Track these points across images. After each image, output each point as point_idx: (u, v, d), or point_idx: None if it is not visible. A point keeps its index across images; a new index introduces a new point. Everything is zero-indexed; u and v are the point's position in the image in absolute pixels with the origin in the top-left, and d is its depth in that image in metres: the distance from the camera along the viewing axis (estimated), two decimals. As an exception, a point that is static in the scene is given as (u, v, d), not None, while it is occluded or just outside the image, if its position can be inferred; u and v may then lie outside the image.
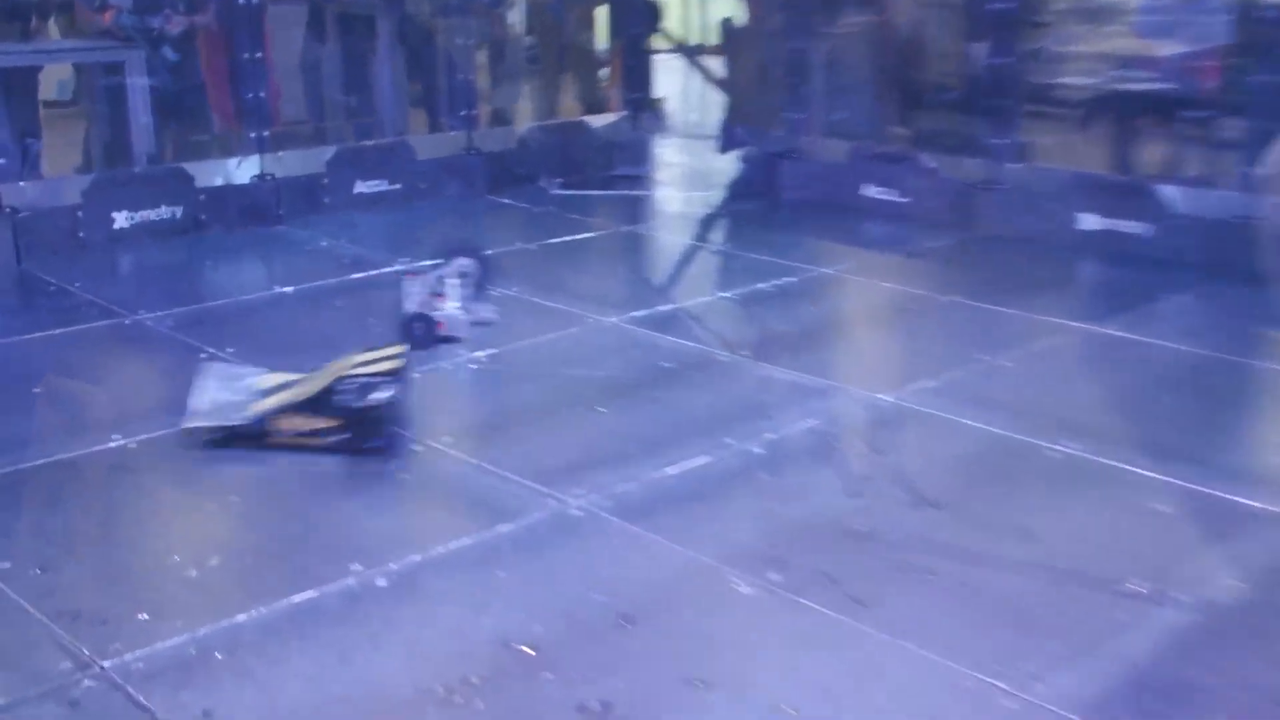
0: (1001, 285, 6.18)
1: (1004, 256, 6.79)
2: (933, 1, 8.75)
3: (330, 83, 8.81)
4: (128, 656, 3.05)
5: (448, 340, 5.21)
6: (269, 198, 7.41)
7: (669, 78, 10.99)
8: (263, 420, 4.25)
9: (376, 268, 6.47)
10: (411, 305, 5.25)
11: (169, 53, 7.30)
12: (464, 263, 5.46)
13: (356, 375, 4.32)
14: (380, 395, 4.25)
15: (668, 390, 4.80)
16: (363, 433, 4.22)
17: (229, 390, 4.44)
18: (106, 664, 3.02)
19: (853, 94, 8.60)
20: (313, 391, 4.30)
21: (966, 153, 7.55)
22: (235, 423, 4.24)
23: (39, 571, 3.44)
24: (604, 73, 10.33)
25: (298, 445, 4.22)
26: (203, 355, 5.11)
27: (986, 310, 5.80)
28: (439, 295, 5.32)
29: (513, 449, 4.27)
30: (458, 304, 5.33)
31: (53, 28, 7.86)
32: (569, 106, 9.99)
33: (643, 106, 9.49)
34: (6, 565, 3.47)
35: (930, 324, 5.71)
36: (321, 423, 4.24)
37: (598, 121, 9.28)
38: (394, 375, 4.38)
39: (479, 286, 5.51)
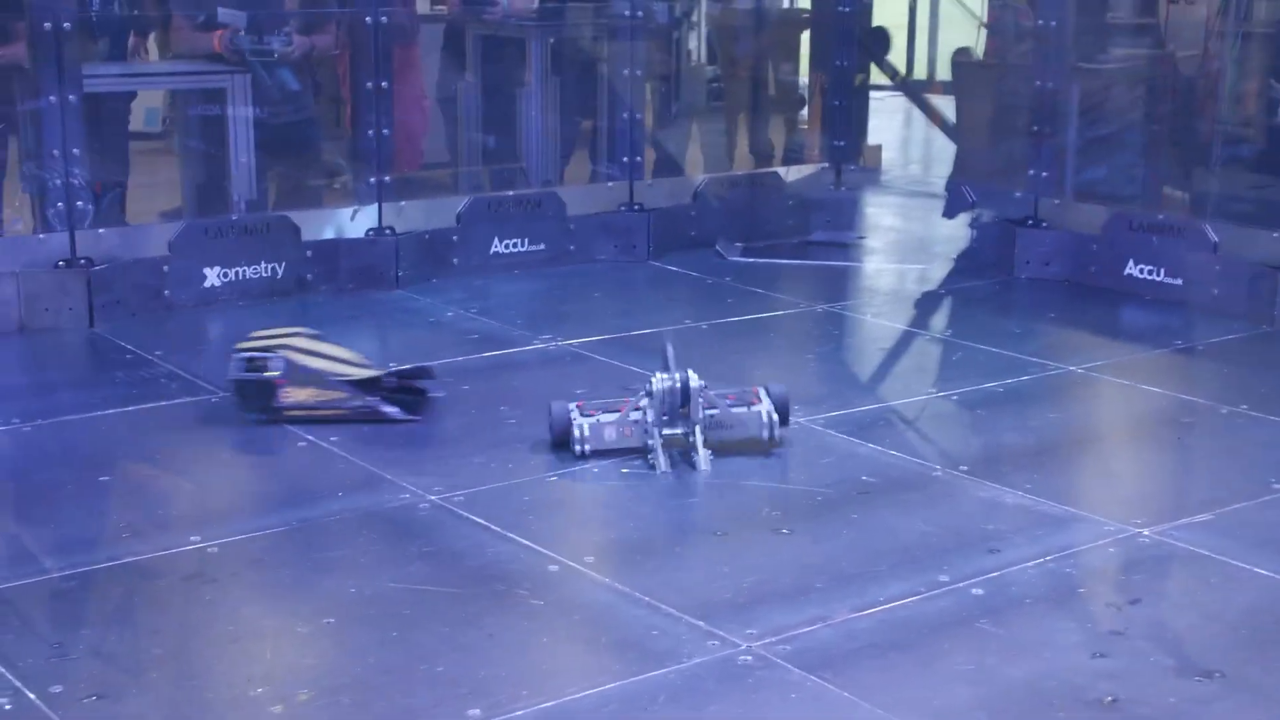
0: (1303, 395, 6.08)
1: (1308, 358, 6.68)
2: (1227, 29, 8.69)
3: (467, 120, 9.04)
4: (197, 807, 3.16)
5: None
6: (387, 256, 7.60)
7: (885, 121, 11.08)
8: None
9: (512, 345, 6.62)
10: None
11: (287, 76, 7.58)
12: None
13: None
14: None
15: (868, 511, 4.80)
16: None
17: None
18: (171, 815, 3.14)
19: (1116, 147, 8.57)
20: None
21: (1264, 224, 7.46)
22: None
23: (95, 699, 3.55)
24: (803, 114, 10.45)
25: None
26: (300, 444, 5.28)
27: (1282, 426, 5.72)
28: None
29: (671, 575, 4.31)
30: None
31: (149, 47, 8.24)
32: (757, 155, 10.12)
33: (850, 157, 9.55)
34: (58, 689, 3.57)
35: (1208, 441, 5.62)
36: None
37: (792, 174, 9.36)
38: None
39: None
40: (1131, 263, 7.76)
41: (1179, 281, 7.57)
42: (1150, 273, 7.69)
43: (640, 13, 8.66)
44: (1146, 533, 4.66)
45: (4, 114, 7.00)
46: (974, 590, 4.24)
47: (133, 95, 7.94)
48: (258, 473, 5.19)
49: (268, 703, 3.57)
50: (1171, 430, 5.78)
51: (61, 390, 5.94)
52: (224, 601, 4.13)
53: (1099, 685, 3.71)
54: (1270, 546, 4.54)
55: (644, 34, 8.78)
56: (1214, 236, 7.51)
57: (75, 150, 6.75)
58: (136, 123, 8.44)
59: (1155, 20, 9.12)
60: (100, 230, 6.91)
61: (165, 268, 6.99)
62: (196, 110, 7.80)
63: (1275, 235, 7.29)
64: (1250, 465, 5.27)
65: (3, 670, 3.67)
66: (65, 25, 6.65)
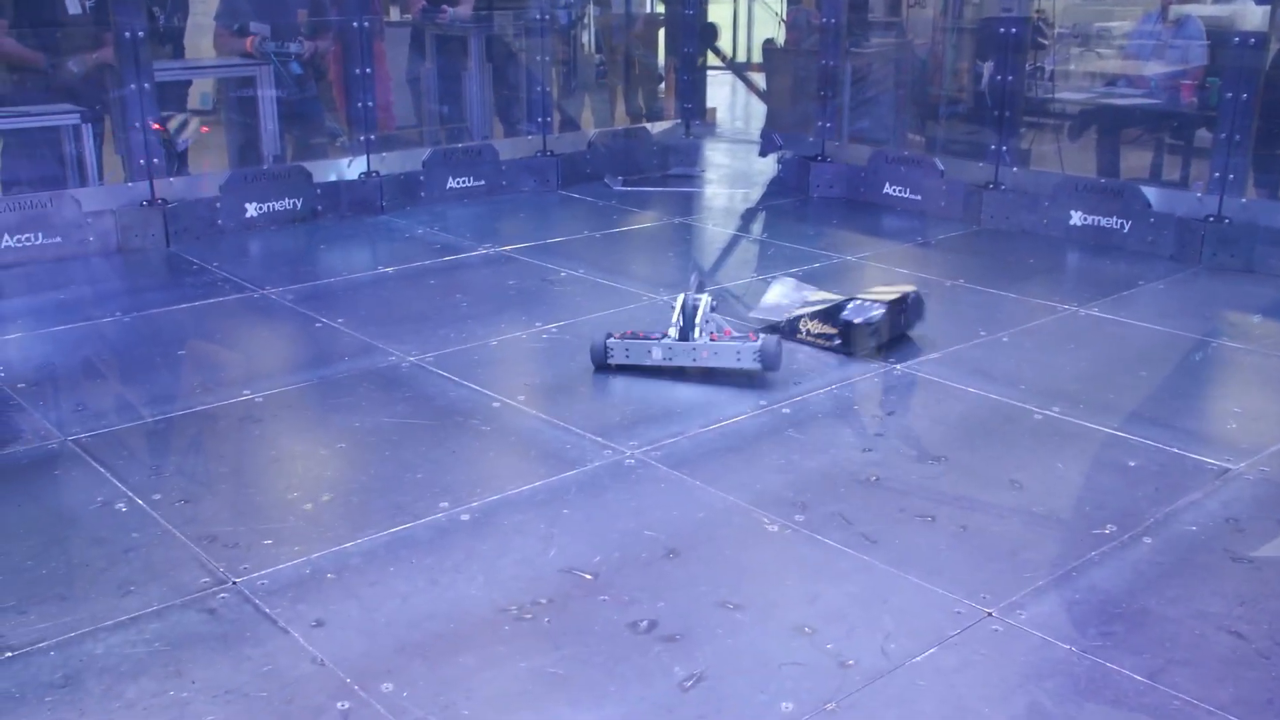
0: (1000, 272, 6.15)
1: (1003, 247, 6.74)
2: (947, 25, 8.68)
3: (428, 94, 8.87)
4: (255, 575, 3.13)
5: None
6: (374, 192, 7.48)
7: (717, 90, 10.96)
8: (794, 323, 4.92)
9: (463, 251, 6.53)
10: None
11: (296, 67, 7.40)
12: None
13: (865, 297, 4.87)
14: (871, 315, 4.77)
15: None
16: (850, 342, 4.78)
17: (788, 298, 5.14)
18: (238, 580, 3.11)
19: (875, 105, 8.56)
20: (831, 305, 4.90)
21: (973, 157, 7.50)
22: (776, 320, 4.98)
23: (183, 503, 3.53)
24: (661, 85, 10.33)
25: (812, 343, 4.87)
26: (317, 324, 5.20)
27: (987, 293, 5.78)
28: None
29: (577, 407, 4.31)
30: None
31: (200, 49, 7.96)
32: (631, 115, 10.01)
33: (694, 115, 9.47)
34: (157, 497, 3.56)
35: (938, 304, 5.67)
36: (829, 329, 4.82)
37: (655, 128, 9.26)
38: (890, 302, 4.82)
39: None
40: (888, 185, 7.79)
41: (919, 197, 7.62)
42: (900, 192, 7.73)
43: (548, 17, 8.53)
44: (898, 367, 4.73)
45: (101, 99, 6.77)
46: (784, 410, 4.28)
47: (189, 82, 7.68)
48: (288, 345, 5.10)
49: (300, 503, 3.56)
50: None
51: (148, 292, 5.78)
52: (267, 435, 4.09)
53: (867, 470, 3.78)
54: (977, 374, 4.63)
55: (550, 32, 8.64)
56: (941, 166, 7.55)
57: (151, 122, 6.55)
58: (193, 102, 8.17)
59: (900, 18, 9.07)
60: (172, 179, 6.73)
61: (218, 204, 6.82)
62: (235, 93, 7.57)
63: (980, 165, 7.34)
64: (964, 320, 5.35)
65: (119, 484, 3.64)
66: (140, 34, 6.44)
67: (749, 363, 4.51)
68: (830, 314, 4.88)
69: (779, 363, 4.53)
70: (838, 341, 4.83)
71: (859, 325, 4.79)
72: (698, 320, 4.63)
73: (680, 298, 4.68)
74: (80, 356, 4.85)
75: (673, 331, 4.63)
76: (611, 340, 4.64)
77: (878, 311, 4.80)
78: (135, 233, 6.50)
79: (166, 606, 2.99)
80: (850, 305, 4.88)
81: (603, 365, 4.64)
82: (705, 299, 4.69)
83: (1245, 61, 6.22)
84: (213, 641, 2.86)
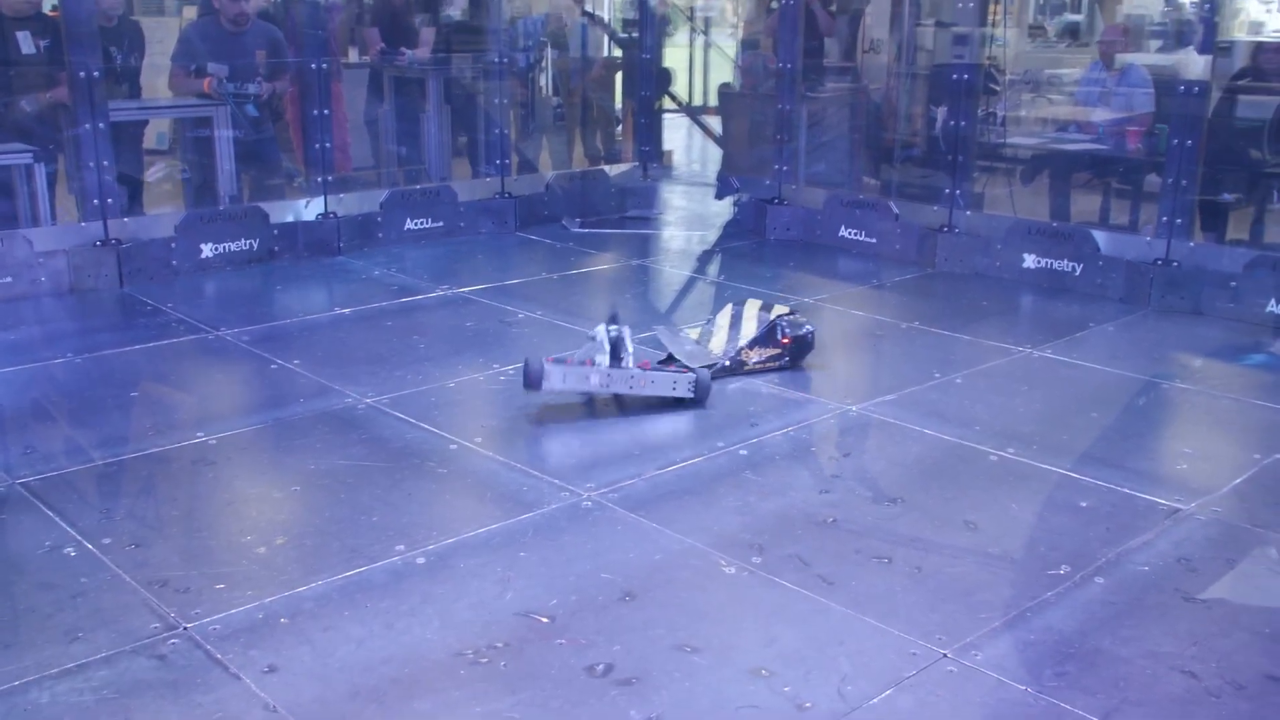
0: (955, 314, 6.21)
1: (957, 289, 6.82)
2: (901, 71, 8.81)
3: (386, 136, 8.88)
4: (207, 620, 3.09)
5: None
6: (331, 233, 7.45)
7: (674, 133, 11.03)
8: (738, 357, 5.11)
9: (420, 293, 6.52)
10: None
11: (252, 109, 7.39)
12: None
13: (785, 315, 5.23)
14: (809, 327, 5.25)
15: (669, 401, 4.81)
16: (797, 353, 5.18)
17: (683, 343, 5.30)
18: (189, 625, 3.06)
19: (831, 149, 8.65)
20: (756, 332, 5.18)
21: (927, 200, 7.59)
22: (714, 362, 5.06)
23: (134, 547, 3.48)
24: (619, 128, 10.40)
25: (763, 370, 5.13)
26: (272, 366, 5.16)
27: (941, 335, 5.83)
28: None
29: (534, 449, 4.30)
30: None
31: (156, 88, 7.93)
32: (589, 157, 10.06)
33: (651, 157, 9.53)
34: (107, 541, 3.50)
35: (893, 346, 5.73)
36: (773, 350, 5.14)
37: (613, 170, 9.31)
38: (795, 316, 5.29)
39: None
40: (843, 228, 7.86)
41: (874, 240, 7.69)
42: (856, 234, 7.79)
43: (506, 60, 8.57)
44: (854, 409, 4.75)
45: (54, 138, 6.72)
46: (741, 451, 4.29)
47: (146, 122, 7.65)
48: (242, 386, 5.06)
49: (254, 546, 3.51)
50: (870, 340, 5.88)
51: (101, 333, 5.71)
52: (221, 477, 4.04)
53: (824, 511, 3.79)
54: (933, 415, 4.66)
55: (509, 75, 8.67)
56: (895, 209, 7.63)
57: (105, 162, 6.50)
58: (150, 141, 8.13)
59: (854, 64, 9.20)
60: (125, 219, 6.67)
61: (173, 244, 6.76)
62: (192, 133, 7.54)
63: (934, 208, 7.43)
64: (920, 362, 5.39)
65: (67, 528, 3.58)
66: (95, 74, 6.40)
67: (684, 391, 4.69)
68: (766, 338, 5.19)
69: (708, 395, 4.73)
70: (786, 359, 5.19)
71: (800, 338, 5.22)
72: (630, 349, 4.69)
73: (600, 328, 4.72)
74: (30, 398, 4.78)
75: (603, 359, 4.64)
76: (548, 365, 4.58)
77: (807, 326, 5.27)
78: (88, 273, 6.43)
79: (115, 653, 2.93)
80: (779, 325, 5.21)
81: (536, 388, 4.56)
82: (627, 330, 4.74)
83: (1189, 109, 6.36)
84: (162, 689, 2.80)
